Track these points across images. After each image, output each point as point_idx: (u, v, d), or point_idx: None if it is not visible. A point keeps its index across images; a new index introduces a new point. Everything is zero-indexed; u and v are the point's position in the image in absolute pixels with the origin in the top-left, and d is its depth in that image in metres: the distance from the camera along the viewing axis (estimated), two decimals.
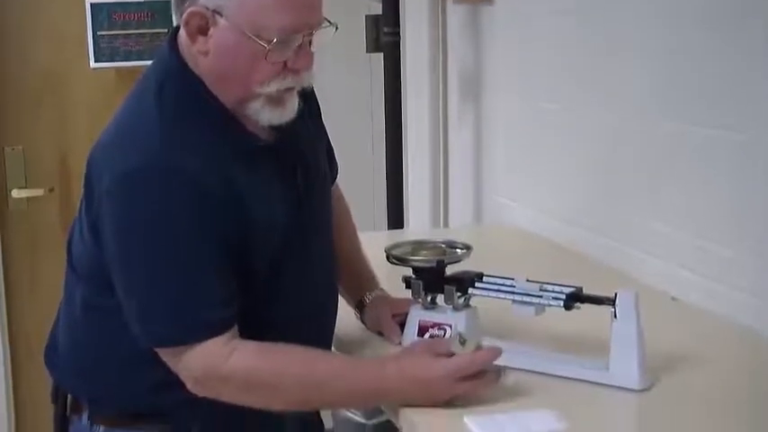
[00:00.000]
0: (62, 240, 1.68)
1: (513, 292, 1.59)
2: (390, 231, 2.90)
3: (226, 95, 1.52)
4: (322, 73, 1.59)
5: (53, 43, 3.30)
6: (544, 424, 1.39)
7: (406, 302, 1.71)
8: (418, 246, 1.74)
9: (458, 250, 1.72)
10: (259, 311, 1.54)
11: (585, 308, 1.56)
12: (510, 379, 1.52)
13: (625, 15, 2.13)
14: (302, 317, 1.61)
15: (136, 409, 1.58)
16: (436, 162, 3.02)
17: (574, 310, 1.56)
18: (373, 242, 1.87)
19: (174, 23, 1.58)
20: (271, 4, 1.45)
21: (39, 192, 3.35)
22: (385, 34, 2.89)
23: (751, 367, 1.65)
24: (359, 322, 1.80)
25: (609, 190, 2.24)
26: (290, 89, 1.53)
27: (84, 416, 1.61)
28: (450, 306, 1.65)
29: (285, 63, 1.50)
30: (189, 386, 1.49)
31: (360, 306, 1.80)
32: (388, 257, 1.71)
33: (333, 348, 1.72)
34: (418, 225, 3.08)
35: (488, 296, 1.62)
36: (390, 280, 1.79)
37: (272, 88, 1.50)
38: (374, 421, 2.17)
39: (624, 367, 1.51)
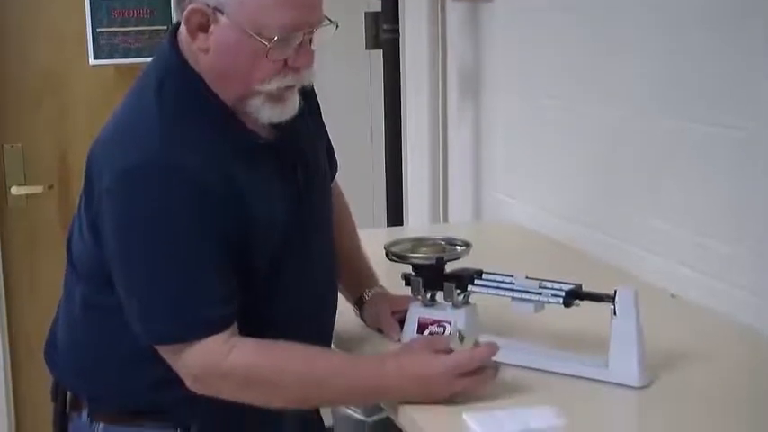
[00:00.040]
0: (61, 238, 1.68)
1: (512, 290, 1.59)
2: (390, 228, 2.90)
3: (226, 93, 1.52)
4: (321, 70, 1.59)
5: (52, 40, 3.29)
6: (543, 420, 1.40)
7: (406, 299, 1.71)
8: (418, 243, 1.74)
9: (457, 247, 1.72)
10: (259, 309, 1.54)
11: (585, 305, 1.56)
12: (509, 376, 1.52)
13: (625, 13, 2.13)
14: (302, 314, 1.61)
15: (135, 407, 1.58)
16: (435, 159, 3.02)
17: (573, 308, 1.56)
18: (373, 239, 1.87)
19: (175, 20, 1.58)
20: (271, 3, 1.45)
21: (38, 189, 3.34)
22: (384, 31, 2.89)
23: (750, 365, 1.65)
24: (358, 319, 1.80)
25: (608, 187, 2.24)
26: (290, 87, 1.53)
27: (84, 413, 1.61)
28: (450, 303, 1.65)
29: (286, 61, 1.50)
30: (188, 383, 1.49)
31: (359, 303, 1.80)
32: (387, 254, 1.71)
33: (332, 345, 1.72)
34: (417, 222, 3.08)
35: (488, 293, 1.62)
36: (390, 277, 1.79)
37: (272, 86, 1.50)
38: (374, 418, 2.17)
39: (623, 364, 1.51)
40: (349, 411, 2.21)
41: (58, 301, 1.69)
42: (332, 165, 1.80)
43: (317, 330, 1.65)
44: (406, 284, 1.70)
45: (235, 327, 1.49)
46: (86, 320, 1.60)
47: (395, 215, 2.96)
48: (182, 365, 1.49)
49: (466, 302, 1.66)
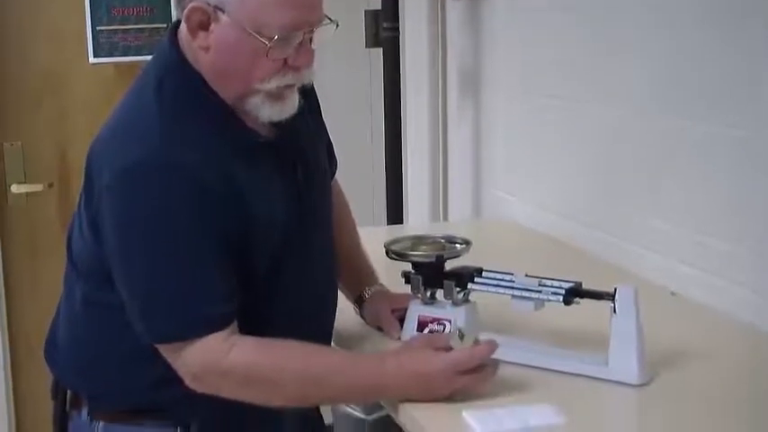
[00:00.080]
0: (61, 235, 1.68)
1: (512, 288, 1.59)
2: (390, 226, 2.90)
3: (226, 91, 1.52)
4: (321, 69, 1.59)
5: (52, 38, 3.29)
6: (543, 418, 1.40)
7: (406, 297, 1.71)
8: (417, 241, 1.74)
9: (457, 245, 1.72)
10: (259, 307, 1.55)
11: (585, 303, 1.56)
12: (509, 374, 1.52)
13: (625, 12, 2.13)
14: (302, 312, 1.61)
15: (136, 405, 1.58)
16: (435, 157, 3.02)
17: (573, 306, 1.56)
18: (372, 237, 1.87)
19: (175, 18, 1.58)
20: (272, 2, 1.45)
21: (38, 187, 3.34)
22: (384, 29, 2.89)
23: (750, 362, 1.65)
24: (358, 317, 1.81)
25: (608, 185, 2.24)
26: (290, 86, 1.53)
27: (84, 411, 1.61)
28: (450, 301, 1.65)
29: (285, 60, 1.50)
30: (187, 382, 1.49)
31: (359, 301, 1.80)
32: (387, 252, 1.71)
33: (332, 343, 1.72)
34: (417, 220, 3.08)
35: (488, 291, 1.62)
36: (390, 275, 1.79)
37: (272, 85, 1.50)
38: (374, 416, 2.17)
39: (623, 362, 1.51)
40: (349, 409, 2.21)
41: (59, 299, 1.69)
42: (332, 163, 1.80)
43: (317, 328, 1.65)
44: (405, 282, 1.70)
45: (235, 325, 1.49)
46: (86, 318, 1.60)
47: (395, 213, 2.96)
48: (181, 364, 1.49)
49: (466, 300, 1.66)
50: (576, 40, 2.31)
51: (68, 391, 1.64)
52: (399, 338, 1.68)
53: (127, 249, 1.48)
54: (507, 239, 2.49)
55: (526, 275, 1.60)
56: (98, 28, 3.20)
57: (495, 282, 1.62)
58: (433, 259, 1.67)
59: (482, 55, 2.76)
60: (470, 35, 2.79)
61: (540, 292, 1.57)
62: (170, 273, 1.47)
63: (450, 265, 1.67)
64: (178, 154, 1.45)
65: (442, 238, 1.75)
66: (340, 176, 1.85)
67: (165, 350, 1.50)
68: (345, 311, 1.78)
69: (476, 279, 1.63)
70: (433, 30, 2.95)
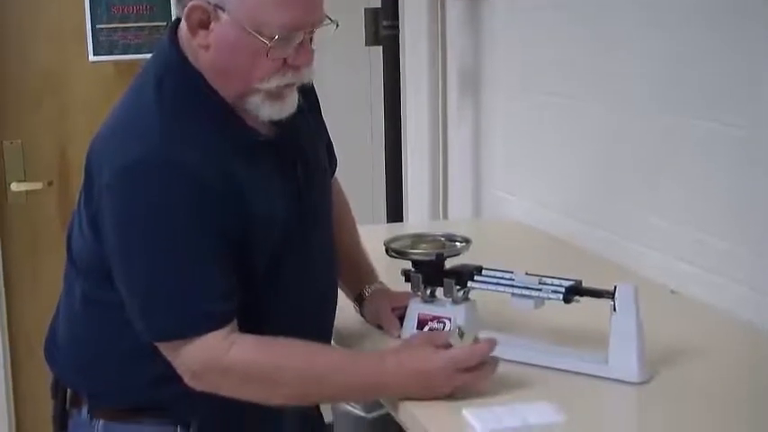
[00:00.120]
0: (62, 234, 1.68)
1: (512, 286, 1.59)
2: (389, 225, 2.90)
3: (225, 90, 1.52)
4: (321, 67, 1.59)
5: (52, 37, 3.29)
6: (543, 416, 1.40)
7: (406, 296, 1.71)
8: (417, 239, 1.74)
9: (457, 243, 1.72)
10: (259, 305, 1.54)
11: (585, 301, 1.56)
12: (509, 372, 1.52)
13: (624, 11, 2.13)
14: (302, 311, 1.61)
15: (135, 403, 1.58)
16: (435, 155, 3.02)
17: (573, 304, 1.56)
18: (372, 235, 1.87)
19: (175, 16, 1.58)
20: (273, 2, 1.45)
21: (38, 185, 3.34)
22: (384, 28, 2.89)
23: (750, 360, 1.65)
24: (358, 315, 1.81)
25: (608, 184, 2.24)
26: (289, 85, 1.53)
27: (84, 410, 1.61)
28: (450, 299, 1.65)
29: (285, 59, 1.50)
30: (186, 380, 1.49)
31: (359, 299, 1.80)
32: (387, 251, 1.71)
33: (332, 342, 1.72)
34: (417, 218, 3.08)
35: (487, 289, 1.62)
36: (390, 273, 1.79)
37: (271, 84, 1.50)
38: (374, 414, 2.17)
39: (623, 360, 1.51)
40: (349, 408, 2.21)
41: (58, 298, 1.69)
42: (331, 162, 1.80)
43: (317, 327, 1.65)
44: (405, 281, 1.70)
45: (234, 323, 1.49)
46: (86, 316, 1.60)
47: (395, 212, 2.96)
48: (181, 362, 1.49)
49: (466, 298, 1.66)
50: (576, 39, 2.31)
51: (68, 390, 1.64)
52: (399, 337, 1.68)
53: (127, 247, 1.48)
54: (507, 238, 2.49)
55: (526, 274, 1.60)
56: (98, 26, 3.20)
57: (494, 280, 1.62)
58: (433, 257, 1.67)
59: (482, 53, 2.76)
60: (470, 33, 2.79)
61: (539, 290, 1.57)
62: (170, 271, 1.47)
63: (449, 264, 1.67)
64: (178, 152, 1.46)
65: (442, 236, 1.75)
66: (340, 175, 1.85)
67: (164, 348, 1.50)
68: (345, 310, 1.78)
69: (476, 277, 1.63)
70: (433, 28, 2.95)
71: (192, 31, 1.50)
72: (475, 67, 2.79)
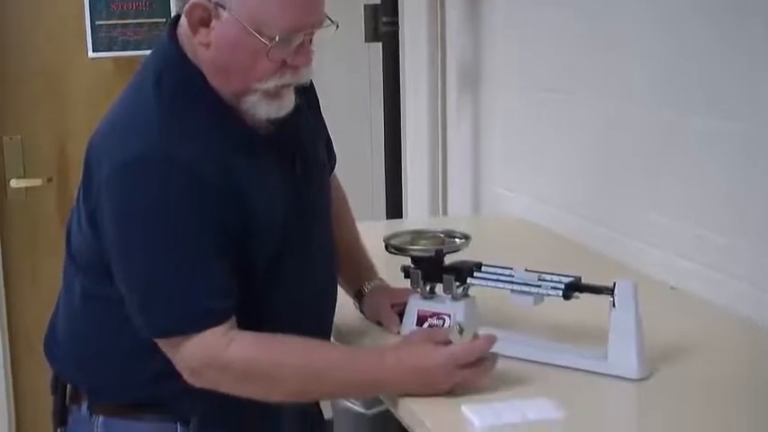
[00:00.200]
0: (61, 230, 1.68)
1: (511, 282, 1.59)
2: (389, 221, 2.90)
3: (224, 88, 1.52)
4: (320, 63, 1.59)
5: (51, 33, 3.29)
6: (542, 412, 1.40)
7: (405, 292, 1.71)
8: (417, 235, 1.74)
9: (456, 240, 1.72)
10: (258, 302, 1.54)
11: (584, 297, 1.56)
12: (508, 368, 1.52)
13: (623, 7, 2.13)
14: (302, 307, 1.61)
15: (135, 400, 1.58)
16: (435, 152, 3.02)
17: (572, 300, 1.56)
18: (372, 232, 1.87)
19: (174, 12, 1.57)
20: (274, 2, 1.45)
21: (37, 181, 3.34)
22: (384, 24, 2.89)
23: (749, 356, 1.65)
24: (358, 312, 1.81)
25: (607, 180, 2.24)
26: (287, 85, 1.53)
27: (84, 406, 1.61)
28: (449, 296, 1.65)
29: (285, 60, 1.49)
30: (185, 377, 1.49)
31: (359, 296, 1.80)
32: (386, 247, 1.71)
33: (332, 338, 1.72)
34: (417, 215, 3.08)
35: (487, 286, 1.62)
36: (389, 269, 1.79)
37: (269, 84, 1.50)
38: (373, 411, 2.17)
39: (623, 356, 1.51)
40: (349, 404, 2.21)
41: (58, 294, 1.69)
42: (330, 158, 1.80)
43: (317, 323, 1.66)
44: (405, 277, 1.70)
45: (233, 320, 1.49)
46: (86, 312, 1.60)
47: (394, 208, 2.96)
48: (180, 359, 1.49)
49: (465, 295, 1.66)
50: (575, 35, 2.31)
51: (68, 386, 1.64)
52: (399, 333, 1.68)
53: (126, 243, 1.48)
54: (506, 234, 2.48)
55: (525, 270, 1.60)
56: (97, 22, 3.19)
57: (494, 276, 1.62)
58: (433, 254, 1.67)
59: (482, 50, 2.76)
60: (470, 30, 2.79)
61: (539, 286, 1.57)
62: (169, 267, 1.47)
63: (449, 260, 1.67)
64: (177, 147, 1.45)
65: (442, 232, 1.75)
66: (340, 172, 1.85)
67: (163, 344, 1.50)
68: (345, 306, 1.78)
69: (475, 273, 1.63)
70: (433, 24, 2.95)
71: (193, 28, 1.49)
72: (474, 63, 2.79)
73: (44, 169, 3.35)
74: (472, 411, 1.40)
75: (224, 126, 1.52)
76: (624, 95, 2.14)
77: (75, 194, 1.60)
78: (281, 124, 1.56)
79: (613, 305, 1.52)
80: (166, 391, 1.55)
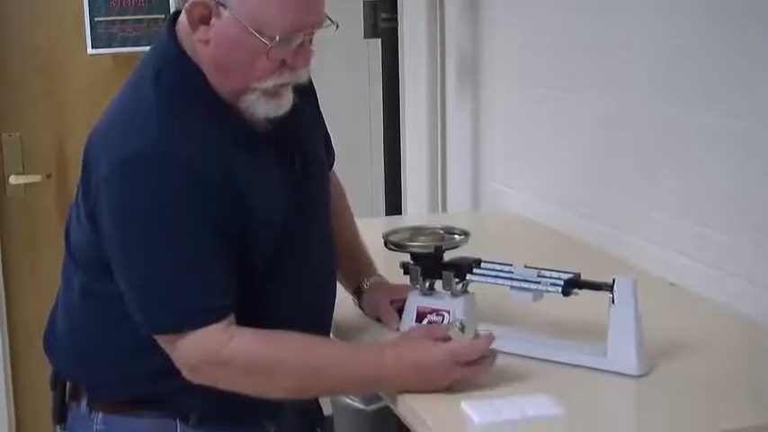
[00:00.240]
0: (60, 226, 1.68)
1: (511, 279, 1.59)
2: (388, 217, 2.90)
3: (223, 86, 1.52)
4: (319, 60, 1.59)
5: (50, 29, 3.29)
6: (541, 409, 1.40)
7: (405, 288, 1.71)
8: (416, 232, 1.74)
9: (456, 236, 1.72)
10: (258, 298, 1.55)
11: (583, 294, 1.56)
12: (508, 364, 1.52)
13: (623, 3, 2.13)
14: (301, 304, 1.61)
15: (135, 396, 1.58)
16: (434, 148, 3.02)
17: (572, 297, 1.56)
18: (371, 228, 1.87)
19: (174, 9, 1.57)
20: (275, 3, 1.45)
21: (36, 178, 3.34)
22: (383, 20, 2.89)
23: (748, 353, 1.65)
24: (357, 308, 1.81)
25: (607, 177, 2.24)
26: (285, 84, 1.52)
27: (83, 402, 1.61)
28: (449, 292, 1.65)
29: (284, 60, 1.49)
30: (184, 373, 1.49)
31: (358, 292, 1.80)
32: (385, 243, 1.71)
33: (331, 335, 1.73)
34: (416, 211, 3.08)
35: (486, 282, 1.62)
36: (388, 266, 1.79)
37: (268, 83, 1.50)
38: (373, 407, 2.17)
39: (622, 353, 1.51)
40: (348, 400, 2.22)
41: (57, 290, 1.69)
42: (329, 155, 1.80)
43: (316, 320, 1.66)
44: (404, 273, 1.70)
45: (232, 317, 1.49)
46: (85, 309, 1.60)
47: (393, 204, 2.96)
48: (179, 355, 1.49)
49: (464, 291, 1.66)
50: (575, 32, 2.30)
51: (67, 383, 1.64)
52: (398, 329, 1.68)
53: (125, 240, 1.48)
54: (506, 230, 2.49)
55: (525, 266, 1.60)
56: (96, 19, 3.19)
57: (493, 273, 1.62)
58: (432, 250, 1.67)
59: (481, 47, 2.75)
60: (469, 27, 2.79)
61: (538, 283, 1.57)
62: (168, 264, 1.47)
63: (448, 256, 1.67)
64: (176, 144, 1.45)
65: (441, 229, 1.75)
66: (339, 168, 1.85)
67: (163, 341, 1.50)
68: (344, 303, 1.78)
69: (474, 270, 1.63)
70: (432, 21, 2.95)
71: (193, 26, 1.49)
72: (474, 60, 2.79)
73: (43, 166, 3.34)
74: (472, 408, 1.40)
75: (223, 124, 1.52)
76: (624, 93, 2.14)
77: (75, 191, 1.60)
78: (279, 122, 1.56)
79: (613, 302, 1.52)
80: (165, 387, 1.55)
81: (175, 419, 1.58)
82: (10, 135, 3.32)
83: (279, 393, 1.53)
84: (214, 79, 1.51)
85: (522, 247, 2.26)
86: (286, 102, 1.54)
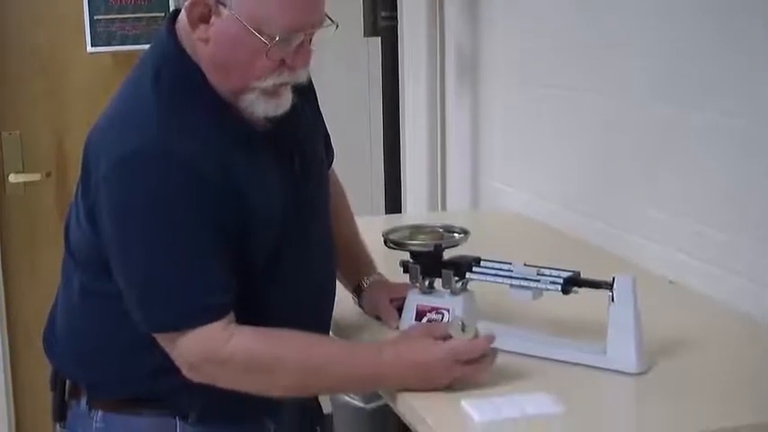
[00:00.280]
0: (59, 225, 1.68)
1: (510, 277, 1.59)
2: (388, 216, 2.90)
3: (222, 85, 1.51)
4: (319, 58, 1.59)
5: (50, 27, 3.29)
6: (541, 407, 1.40)
7: (404, 287, 1.71)
8: (416, 230, 1.74)
9: (455, 235, 1.72)
10: (258, 297, 1.54)
11: (583, 292, 1.56)
12: (507, 363, 1.52)
13: (623, 1, 2.13)
14: (301, 302, 1.61)
15: (134, 395, 1.58)
16: (434, 147, 3.02)
17: (571, 295, 1.56)
18: (371, 227, 1.87)
19: (173, 7, 1.57)
20: (275, 2, 1.45)
21: (36, 176, 3.34)
22: (383, 18, 2.89)
23: (748, 351, 1.65)
24: (357, 307, 1.81)
25: (607, 175, 2.24)
26: (285, 84, 1.52)
27: (83, 401, 1.61)
28: (448, 290, 1.65)
29: (284, 59, 1.49)
30: (184, 371, 1.49)
31: (357, 291, 1.80)
32: (385, 242, 1.71)
33: (331, 333, 1.73)
34: (416, 210, 3.08)
35: (486, 280, 1.62)
36: (388, 264, 1.79)
37: (268, 83, 1.50)
38: (373, 405, 2.17)
39: (621, 351, 1.51)
40: (348, 398, 2.22)
41: (57, 289, 1.69)
42: (328, 153, 1.79)
43: (316, 318, 1.66)
44: (404, 272, 1.70)
45: (232, 315, 1.49)
46: (85, 308, 1.60)
47: (393, 203, 2.96)
48: (178, 354, 1.49)
49: (464, 290, 1.66)
50: (575, 30, 2.30)
51: (67, 381, 1.64)
52: (398, 328, 1.68)
53: (124, 239, 1.48)
54: (505, 229, 2.49)
55: (524, 265, 1.60)
56: (96, 17, 3.19)
57: (493, 271, 1.62)
58: (432, 248, 1.67)
59: (480, 45, 2.75)
60: (469, 25, 2.79)
61: (538, 281, 1.57)
62: (168, 262, 1.47)
63: (448, 255, 1.67)
64: (175, 142, 1.45)
65: (441, 227, 1.75)
66: (339, 167, 1.85)
67: (162, 339, 1.50)
68: (344, 301, 1.78)
69: (474, 268, 1.63)
70: (432, 19, 2.95)
71: (193, 24, 1.49)
72: (473, 58, 2.79)
73: (43, 164, 3.35)
74: (472, 406, 1.40)
75: (222, 123, 1.52)
76: (624, 92, 2.14)
77: (74, 190, 1.60)
78: (279, 121, 1.56)
79: (612, 300, 1.52)
80: (165, 385, 1.55)
81: (175, 418, 1.58)
82: (9, 134, 3.32)
83: (278, 391, 1.53)
84: (213, 78, 1.51)
85: (522, 245, 2.26)
86: (285, 101, 1.54)
